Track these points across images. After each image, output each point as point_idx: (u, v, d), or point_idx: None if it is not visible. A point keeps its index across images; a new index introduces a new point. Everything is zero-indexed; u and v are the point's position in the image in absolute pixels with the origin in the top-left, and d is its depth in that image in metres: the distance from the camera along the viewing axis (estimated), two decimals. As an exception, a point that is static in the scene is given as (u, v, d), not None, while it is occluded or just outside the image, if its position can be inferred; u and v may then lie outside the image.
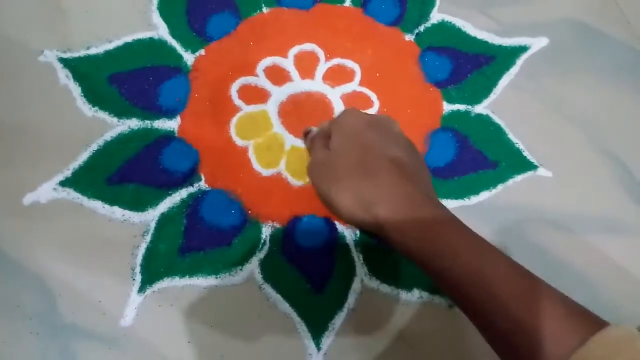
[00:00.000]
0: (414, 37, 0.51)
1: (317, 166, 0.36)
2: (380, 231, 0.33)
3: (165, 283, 0.40)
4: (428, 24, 0.52)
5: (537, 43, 0.52)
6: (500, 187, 0.46)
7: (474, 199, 0.45)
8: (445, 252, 0.31)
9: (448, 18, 0.52)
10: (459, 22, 0.52)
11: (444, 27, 0.52)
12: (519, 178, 0.46)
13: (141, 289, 0.39)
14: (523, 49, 0.52)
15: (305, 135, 0.41)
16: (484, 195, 0.45)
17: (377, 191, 0.33)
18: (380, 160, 0.34)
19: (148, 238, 0.41)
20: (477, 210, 0.45)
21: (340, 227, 0.43)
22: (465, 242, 0.32)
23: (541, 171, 0.46)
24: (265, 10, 0.51)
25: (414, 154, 0.36)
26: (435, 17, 0.52)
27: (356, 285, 0.41)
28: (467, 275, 0.30)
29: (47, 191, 0.41)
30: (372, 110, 0.48)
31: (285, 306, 0.40)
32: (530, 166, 0.47)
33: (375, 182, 0.33)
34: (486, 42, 0.52)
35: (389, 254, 0.42)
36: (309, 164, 0.36)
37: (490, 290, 0.29)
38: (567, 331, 0.27)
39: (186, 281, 0.40)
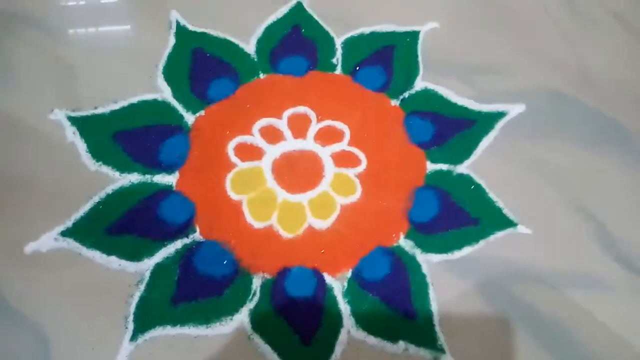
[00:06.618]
0: (399, 102, 0.55)
1: None
2: None
3: (157, 332, 0.41)
4: (412, 91, 0.56)
5: (515, 109, 0.56)
6: (482, 242, 0.48)
7: (457, 254, 0.47)
8: None
9: (431, 86, 0.57)
10: (441, 90, 0.56)
11: (427, 94, 0.56)
12: (499, 235, 0.48)
13: (133, 337, 0.40)
14: (501, 114, 0.56)
15: None
16: (467, 250, 0.47)
17: None
18: None
19: (142, 287, 0.42)
20: (460, 264, 0.46)
21: (328, 278, 0.44)
22: None
23: (521, 228, 0.49)
24: (262, 76, 0.55)
25: None
26: (419, 84, 0.57)
27: (343, 337, 0.42)
28: None
29: (49, 241, 0.43)
30: (360, 168, 0.50)
31: (273, 357, 0.41)
32: (510, 224, 0.49)
33: None
34: (466, 108, 0.56)
35: (376, 305, 0.43)
36: None
37: None
38: None
39: (178, 330, 0.41)
